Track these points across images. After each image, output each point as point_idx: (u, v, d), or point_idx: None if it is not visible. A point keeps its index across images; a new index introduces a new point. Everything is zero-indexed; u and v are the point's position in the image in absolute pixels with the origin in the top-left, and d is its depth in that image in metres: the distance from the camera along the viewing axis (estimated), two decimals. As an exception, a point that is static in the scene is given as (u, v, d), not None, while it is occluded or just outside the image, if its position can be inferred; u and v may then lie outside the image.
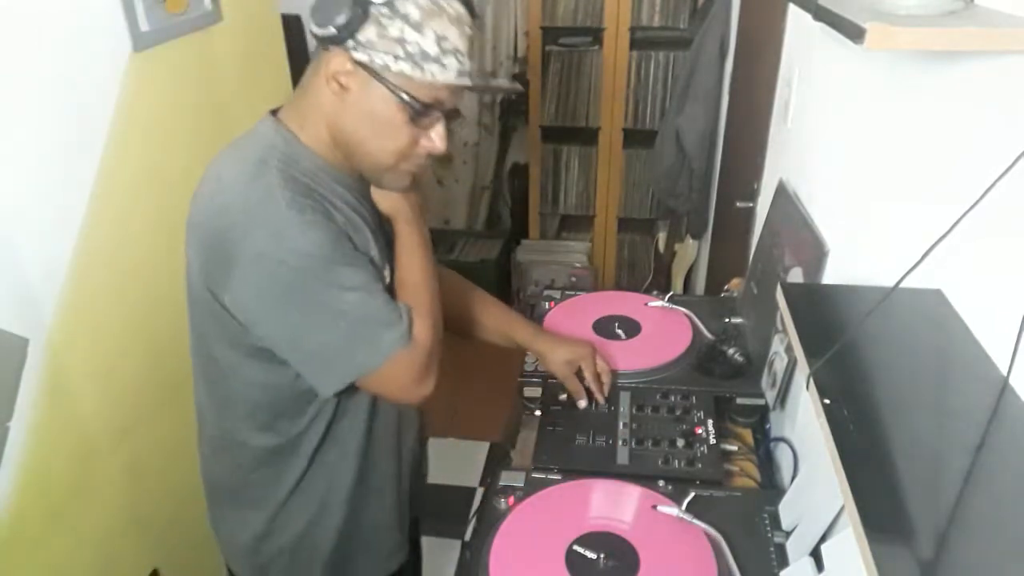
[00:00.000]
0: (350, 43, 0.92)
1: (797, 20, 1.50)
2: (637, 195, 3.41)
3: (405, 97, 0.95)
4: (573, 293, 1.65)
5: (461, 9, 0.97)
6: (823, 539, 0.94)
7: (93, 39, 1.43)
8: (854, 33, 0.68)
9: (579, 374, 1.31)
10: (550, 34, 3.20)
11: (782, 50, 1.61)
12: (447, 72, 0.94)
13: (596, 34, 3.15)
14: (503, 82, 1.01)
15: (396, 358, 0.99)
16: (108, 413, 1.51)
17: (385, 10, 0.91)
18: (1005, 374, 0.64)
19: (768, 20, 1.75)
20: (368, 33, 0.92)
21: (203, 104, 1.76)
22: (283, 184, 0.95)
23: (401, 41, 0.92)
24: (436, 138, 1.01)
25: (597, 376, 1.32)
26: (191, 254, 1.03)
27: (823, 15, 0.78)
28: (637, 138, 3.25)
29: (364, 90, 0.96)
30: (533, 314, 1.58)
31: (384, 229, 1.11)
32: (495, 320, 1.35)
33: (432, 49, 0.93)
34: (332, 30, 0.91)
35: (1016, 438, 0.62)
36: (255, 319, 0.99)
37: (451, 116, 1.04)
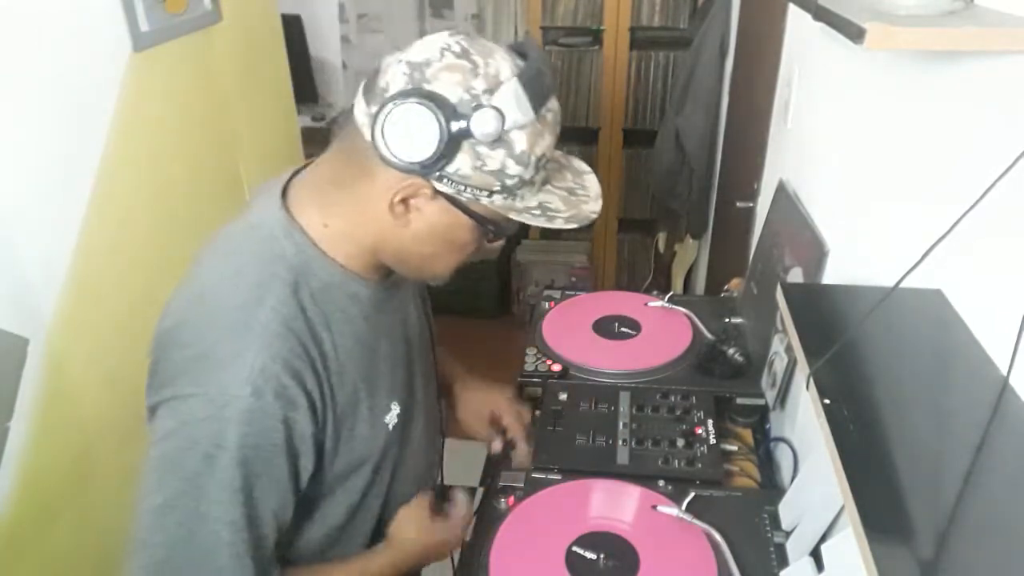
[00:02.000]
0: (437, 173, 0.77)
1: (797, 20, 1.50)
2: (637, 195, 3.40)
3: (492, 228, 0.82)
4: (573, 293, 1.65)
5: (556, 105, 0.81)
6: (823, 539, 0.94)
7: (93, 39, 1.43)
8: (854, 33, 0.68)
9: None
10: (550, 34, 3.20)
11: (782, 50, 1.61)
12: (534, 189, 0.82)
13: (596, 34, 3.15)
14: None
15: None
16: (108, 413, 1.51)
17: (487, 138, 0.75)
18: (1005, 374, 0.64)
19: (768, 20, 1.75)
20: (460, 164, 0.76)
21: (203, 104, 1.76)
22: (270, 339, 0.77)
23: (501, 174, 0.77)
24: (498, 245, 0.90)
25: (519, 416, 1.23)
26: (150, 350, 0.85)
27: (823, 15, 0.78)
28: (637, 138, 3.25)
29: (439, 216, 0.81)
30: (533, 314, 1.58)
31: (407, 346, 0.99)
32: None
33: (532, 174, 0.79)
34: (416, 165, 0.75)
35: (1016, 438, 0.62)
36: (150, 453, 0.81)
37: None
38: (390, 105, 0.73)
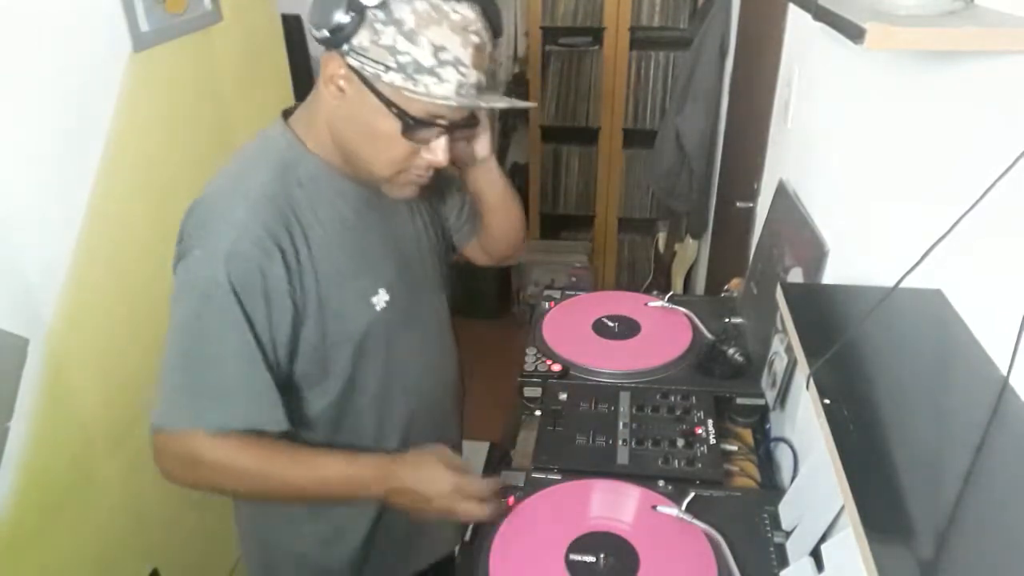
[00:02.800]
0: (345, 47, 0.89)
1: (797, 20, 1.50)
2: (637, 195, 3.41)
3: (395, 110, 0.91)
4: (573, 293, 1.65)
5: (470, 15, 0.90)
6: (823, 539, 0.94)
7: (93, 39, 1.43)
8: (854, 33, 0.68)
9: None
10: (550, 34, 3.20)
11: (782, 50, 1.61)
12: (444, 86, 0.89)
13: (596, 34, 3.15)
14: (513, 101, 0.99)
15: (166, 435, 0.97)
16: (108, 413, 1.51)
17: (380, 14, 0.87)
18: (1005, 374, 0.64)
19: (768, 20, 1.75)
20: (362, 38, 0.88)
21: (203, 104, 1.76)
22: (253, 201, 0.94)
23: (393, 50, 0.87)
24: (438, 151, 0.96)
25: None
26: None
27: (823, 15, 0.78)
28: (637, 138, 3.26)
29: (358, 97, 0.92)
30: (533, 314, 1.58)
31: (399, 244, 1.11)
32: None
33: (427, 60, 0.87)
34: (326, 32, 0.88)
35: (1016, 438, 0.62)
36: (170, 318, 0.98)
37: (460, 127, 0.98)
38: None
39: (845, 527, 0.88)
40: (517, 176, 3.65)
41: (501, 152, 3.61)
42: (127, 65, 1.50)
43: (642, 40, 3.14)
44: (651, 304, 1.55)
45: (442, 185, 1.23)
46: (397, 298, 1.08)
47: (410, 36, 0.87)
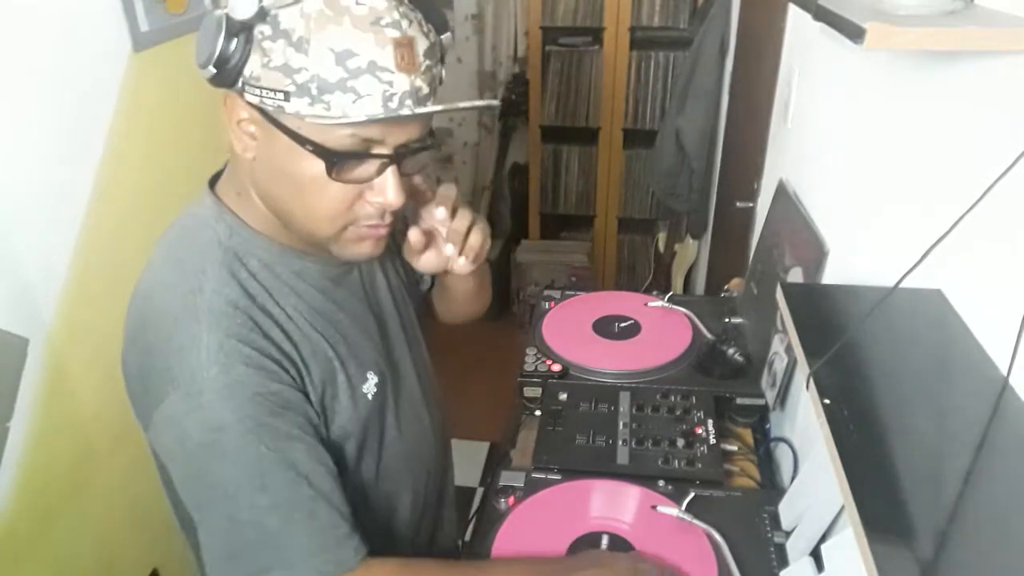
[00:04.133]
0: (239, 82, 0.72)
1: (797, 20, 1.50)
2: (637, 195, 3.41)
3: (310, 147, 0.72)
4: (573, 293, 1.65)
5: (379, 4, 0.70)
6: (823, 539, 0.94)
7: (93, 39, 1.43)
8: (854, 33, 0.68)
9: None
10: (550, 34, 3.20)
11: (782, 50, 1.61)
12: (364, 101, 0.69)
13: (596, 34, 3.15)
14: (477, 103, 0.80)
15: None
16: (108, 413, 1.51)
17: (266, 29, 0.68)
18: (1005, 374, 0.64)
19: (768, 20, 1.75)
20: (253, 65, 0.70)
21: (203, 104, 1.76)
22: (214, 319, 0.76)
23: (287, 69, 0.68)
24: (385, 189, 0.75)
25: None
26: (123, 359, 0.85)
27: (823, 15, 0.78)
28: (637, 138, 3.26)
29: (269, 141, 0.74)
30: (533, 314, 1.58)
31: (378, 318, 0.96)
32: None
33: (332, 73, 0.68)
34: (211, 69, 0.70)
35: (1016, 438, 0.62)
36: (172, 475, 0.81)
37: (410, 152, 0.77)
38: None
39: (845, 527, 0.88)
40: (517, 176, 3.65)
41: (501, 152, 3.62)
42: (127, 65, 1.50)
43: (642, 40, 3.14)
44: (651, 304, 1.55)
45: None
46: (386, 378, 0.94)
47: (301, 46, 0.68)
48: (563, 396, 1.31)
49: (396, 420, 0.98)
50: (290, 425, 0.78)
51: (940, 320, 0.76)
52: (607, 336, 1.48)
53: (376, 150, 0.75)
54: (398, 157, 0.76)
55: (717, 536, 1.02)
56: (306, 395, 0.81)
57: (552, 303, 1.60)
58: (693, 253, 2.95)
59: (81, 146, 1.42)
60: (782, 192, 1.43)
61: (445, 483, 1.16)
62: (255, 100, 0.72)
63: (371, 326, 0.94)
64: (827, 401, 0.65)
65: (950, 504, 0.56)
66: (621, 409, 1.28)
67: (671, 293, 1.58)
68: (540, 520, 1.07)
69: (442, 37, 0.78)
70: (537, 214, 3.56)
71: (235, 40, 0.69)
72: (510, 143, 3.61)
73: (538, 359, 1.41)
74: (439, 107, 0.74)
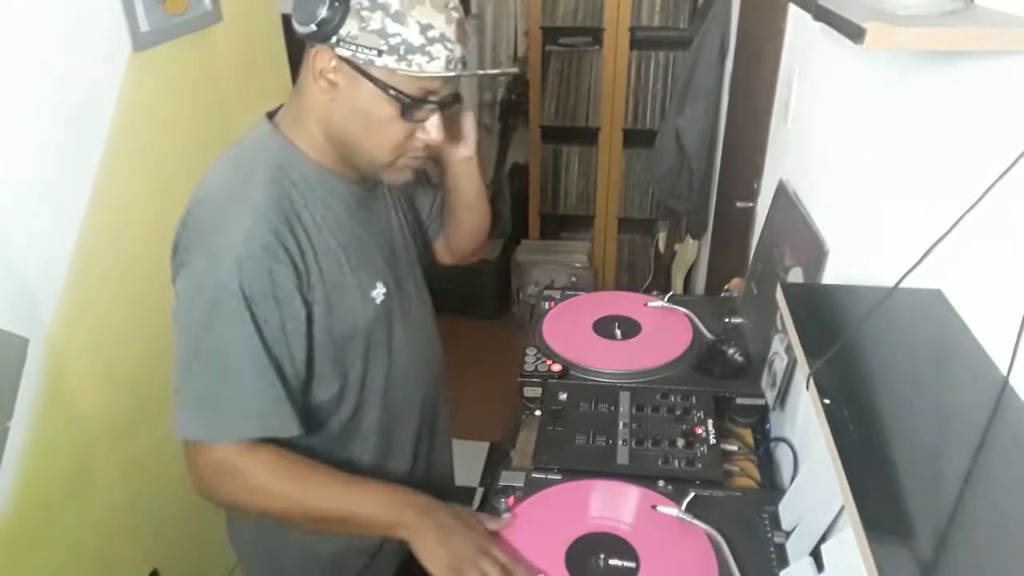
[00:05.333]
0: (333, 39, 0.91)
1: (797, 20, 1.50)
2: (637, 195, 3.41)
3: (393, 93, 0.93)
4: (573, 293, 1.65)
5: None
6: (823, 539, 0.94)
7: (93, 39, 1.43)
8: (854, 33, 0.68)
9: None
10: (550, 34, 3.20)
11: (782, 50, 1.61)
12: (435, 62, 0.92)
13: (596, 34, 3.15)
14: (500, 68, 1.06)
15: (197, 446, 0.97)
16: (108, 413, 1.51)
17: (365, 2, 0.89)
18: (1005, 374, 0.64)
19: (768, 20, 1.75)
20: (350, 27, 0.90)
21: (203, 104, 1.76)
22: (254, 205, 0.94)
23: (383, 33, 0.89)
24: (432, 130, 0.99)
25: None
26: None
27: (823, 15, 0.78)
28: (637, 138, 3.26)
29: (352, 87, 0.94)
30: (533, 314, 1.58)
31: (390, 241, 1.13)
32: None
33: (416, 40, 0.90)
34: (313, 27, 0.90)
35: (1016, 438, 0.62)
36: (172, 326, 0.98)
37: (449, 104, 1.01)
38: None
39: (845, 527, 0.88)
40: (517, 176, 3.65)
41: (501, 152, 3.62)
42: (127, 65, 1.50)
43: (642, 40, 3.14)
44: (651, 304, 1.55)
45: (416, 181, 1.24)
46: (391, 291, 1.11)
47: (398, 18, 0.89)
48: (563, 396, 1.31)
49: (403, 330, 1.14)
50: (274, 314, 0.95)
51: (940, 320, 0.76)
52: (607, 336, 1.48)
53: (432, 99, 0.96)
54: (443, 105, 0.99)
55: (717, 536, 1.02)
56: (304, 291, 0.98)
57: (552, 303, 1.60)
58: (693, 253, 2.95)
59: (81, 146, 1.42)
60: (782, 192, 1.43)
61: (438, 417, 1.30)
62: (347, 54, 0.91)
63: (384, 245, 1.12)
64: (827, 401, 0.65)
65: (950, 504, 0.56)
66: (621, 409, 1.28)
67: (671, 293, 1.58)
68: (540, 520, 1.07)
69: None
70: (537, 214, 3.56)
71: (337, 5, 0.88)
72: (510, 143, 3.61)
73: (538, 359, 1.41)
74: (478, 71, 1.11)
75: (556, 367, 1.38)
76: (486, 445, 2.71)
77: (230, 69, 1.85)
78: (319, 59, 0.93)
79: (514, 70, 1.11)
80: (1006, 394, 0.64)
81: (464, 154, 1.19)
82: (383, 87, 0.93)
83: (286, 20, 2.16)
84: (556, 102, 3.30)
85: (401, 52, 0.90)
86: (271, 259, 0.94)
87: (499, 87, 3.51)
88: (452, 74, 0.94)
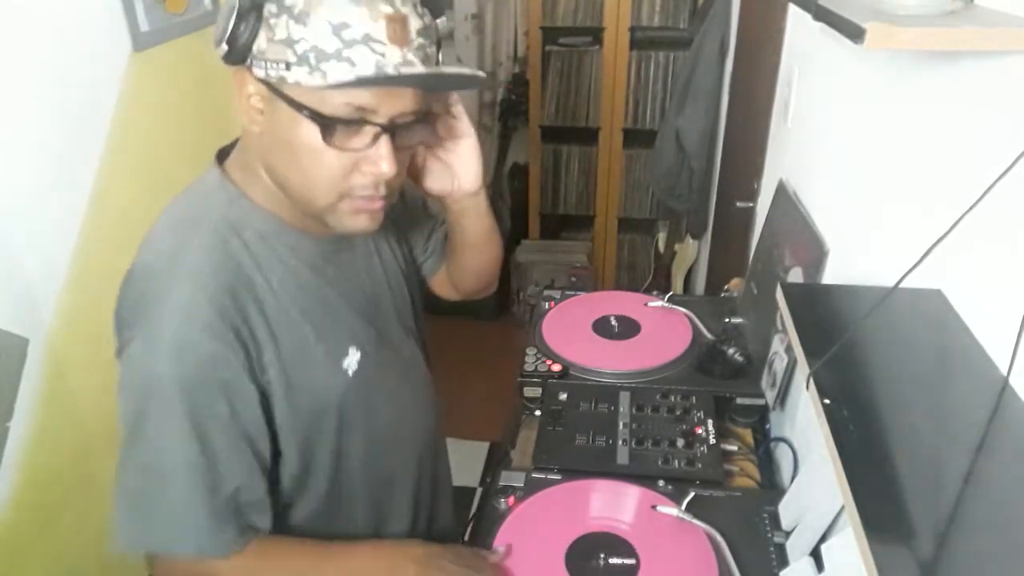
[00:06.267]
0: (248, 58, 0.77)
1: (797, 20, 1.50)
2: (637, 195, 3.41)
3: (307, 112, 0.75)
4: (573, 293, 1.65)
5: None
6: (823, 539, 0.94)
7: (93, 39, 1.43)
8: (854, 33, 0.68)
9: None
10: (550, 34, 3.20)
11: (782, 50, 1.61)
12: (358, 68, 0.73)
13: (596, 34, 3.15)
14: (463, 70, 0.83)
15: (157, 556, 0.85)
16: (108, 412, 1.50)
17: (272, 6, 0.74)
18: (1005, 374, 0.64)
19: (768, 20, 1.75)
20: (260, 42, 0.75)
21: (203, 104, 1.76)
22: (196, 279, 0.80)
23: (288, 42, 0.73)
24: (378, 159, 0.79)
25: None
26: None
27: (823, 15, 0.78)
28: (637, 138, 3.26)
29: (273, 112, 0.78)
30: (533, 314, 1.58)
31: (372, 296, 0.99)
32: None
33: (329, 44, 0.72)
34: (224, 46, 0.76)
35: (1016, 438, 0.62)
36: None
37: (406, 125, 0.80)
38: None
39: (845, 527, 0.88)
40: (517, 176, 3.65)
41: (501, 152, 3.62)
42: (127, 65, 1.50)
43: (642, 40, 3.13)
44: (651, 304, 1.55)
45: (408, 207, 1.11)
46: (370, 353, 0.96)
47: (301, 19, 0.73)
48: (563, 396, 1.31)
49: (385, 395, 1.00)
50: (219, 403, 0.81)
51: (940, 320, 0.76)
52: (607, 336, 1.48)
53: (370, 119, 0.77)
54: (391, 128, 0.79)
55: (717, 536, 1.02)
56: (257, 373, 0.84)
57: (552, 303, 1.60)
58: (693, 253, 2.95)
59: (81, 146, 1.42)
60: (782, 192, 1.43)
61: (438, 471, 1.18)
62: (261, 74, 0.77)
63: (362, 302, 0.97)
64: (827, 401, 0.65)
65: (950, 504, 0.56)
66: (621, 409, 1.28)
67: (671, 293, 1.58)
68: (540, 520, 1.07)
69: (438, 21, 0.82)
70: (537, 214, 3.56)
71: (245, 19, 0.74)
72: (510, 143, 3.61)
73: (538, 359, 1.41)
74: (422, 70, 0.77)
75: (556, 367, 1.38)
76: (486, 445, 2.71)
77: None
78: (239, 83, 0.79)
79: (480, 73, 0.84)
80: (1006, 394, 0.64)
81: (466, 189, 0.99)
82: (297, 107, 0.75)
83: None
84: (556, 102, 3.30)
85: (312, 62, 0.73)
86: (214, 342, 0.79)
87: (499, 87, 3.51)
88: (379, 75, 0.74)
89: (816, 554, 0.94)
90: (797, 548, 0.99)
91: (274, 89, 0.77)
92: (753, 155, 1.80)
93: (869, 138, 1.06)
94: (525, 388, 1.36)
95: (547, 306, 1.59)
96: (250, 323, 0.82)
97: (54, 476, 1.38)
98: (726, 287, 1.64)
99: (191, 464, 0.81)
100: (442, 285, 1.19)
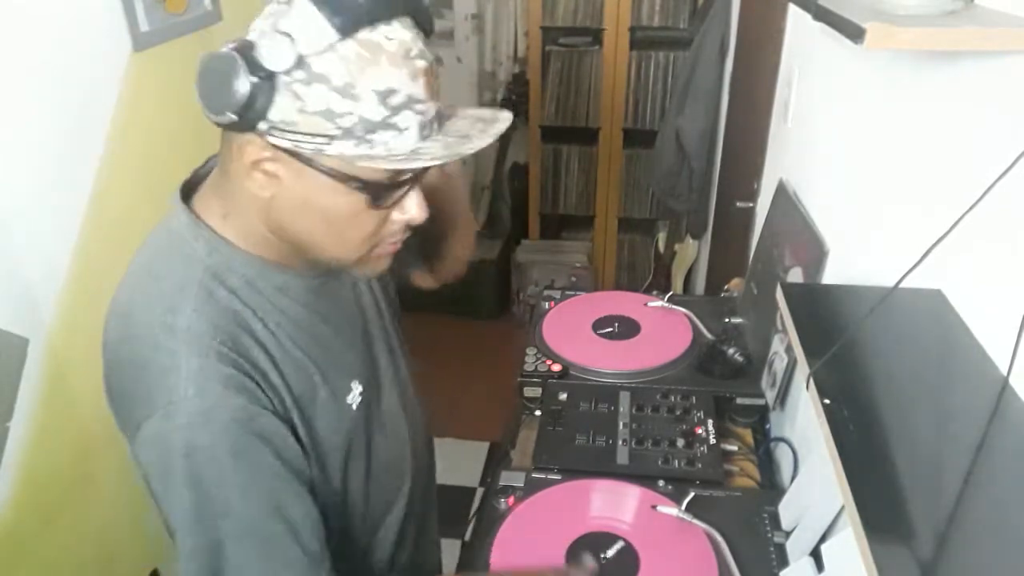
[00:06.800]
0: (262, 125, 0.70)
1: (797, 20, 1.50)
2: (637, 195, 3.41)
3: (357, 185, 0.73)
4: (573, 293, 1.65)
5: (406, 35, 0.71)
6: (823, 539, 0.94)
7: (93, 39, 1.43)
8: (854, 33, 0.68)
9: None
10: (550, 34, 3.20)
11: (782, 50, 1.61)
12: (405, 135, 0.71)
13: (596, 34, 3.15)
14: (493, 130, 0.81)
15: None
16: (108, 413, 1.50)
17: (299, 74, 0.68)
18: (1005, 374, 0.64)
19: (768, 20, 1.75)
20: (283, 109, 0.69)
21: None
22: (196, 344, 0.75)
23: (330, 115, 0.68)
24: (412, 207, 0.79)
25: None
26: (104, 373, 0.83)
27: (823, 15, 0.78)
28: (637, 138, 3.25)
29: (299, 180, 0.74)
30: (533, 314, 1.58)
31: (361, 325, 0.97)
32: None
33: (376, 113, 0.69)
34: (231, 116, 0.68)
35: (1016, 438, 0.62)
36: (156, 497, 0.81)
37: (425, 169, 0.77)
38: (202, 63, 0.70)
39: (845, 527, 0.88)
40: (517, 176, 3.65)
41: (501, 152, 3.62)
42: (127, 65, 1.50)
43: (642, 40, 3.13)
44: (651, 304, 1.55)
45: None
46: (368, 384, 0.94)
47: (347, 92, 0.68)
48: (563, 396, 1.31)
49: (381, 426, 0.98)
50: (265, 454, 0.77)
51: (940, 320, 0.76)
52: (607, 336, 1.48)
53: (407, 176, 0.76)
54: (419, 176, 0.78)
55: (717, 536, 1.02)
56: (285, 417, 0.80)
57: (552, 303, 1.60)
58: (693, 253, 2.95)
59: (81, 146, 1.42)
60: (782, 192, 1.43)
61: (430, 485, 1.15)
62: (287, 144, 0.71)
63: (355, 335, 0.95)
64: (827, 401, 0.65)
65: (950, 504, 0.56)
66: (621, 409, 1.28)
67: (671, 293, 1.58)
68: (540, 520, 1.07)
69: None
70: (537, 214, 3.56)
71: (258, 82, 0.67)
72: (510, 143, 3.61)
73: (538, 359, 1.41)
74: (467, 149, 0.76)
75: (556, 367, 1.38)
76: (486, 445, 2.71)
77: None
78: (248, 151, 0.73)
79: (500, 122, 0.84)
80: (1006, 394, 0.64)
81: (448, 172, 1.02)
82: (343, 179, 0.72)
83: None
84: (556, 102, 3.30)
85: (358, 133, 0.70)
86: (238, 396, 0.75)
87: (499, 87, 3.50)
88: (436, 156, 0.73)
89: (816, 554, 0.94)
90: (797, 548, 0.99)
91: (307, 162, 0.72)
92: (753, 155, 1.80)
93: (869, 138, 1.06)
94: (525, 388, 1.36)
95: (547, 306, 1.59)
96: (261, 368, 0.79)
97: (54, 476, 1.38)
98: (726, 287, 1.64)
99: (261, 522, 0.77)
100: (421, 278, 1.17)
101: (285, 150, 0.72)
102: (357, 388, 0.91)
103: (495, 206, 3.74)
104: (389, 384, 1.01)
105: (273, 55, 0.67)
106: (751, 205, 1.82)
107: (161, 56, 1.59)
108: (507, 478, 1.16)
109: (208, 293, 0.78)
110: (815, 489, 0.98)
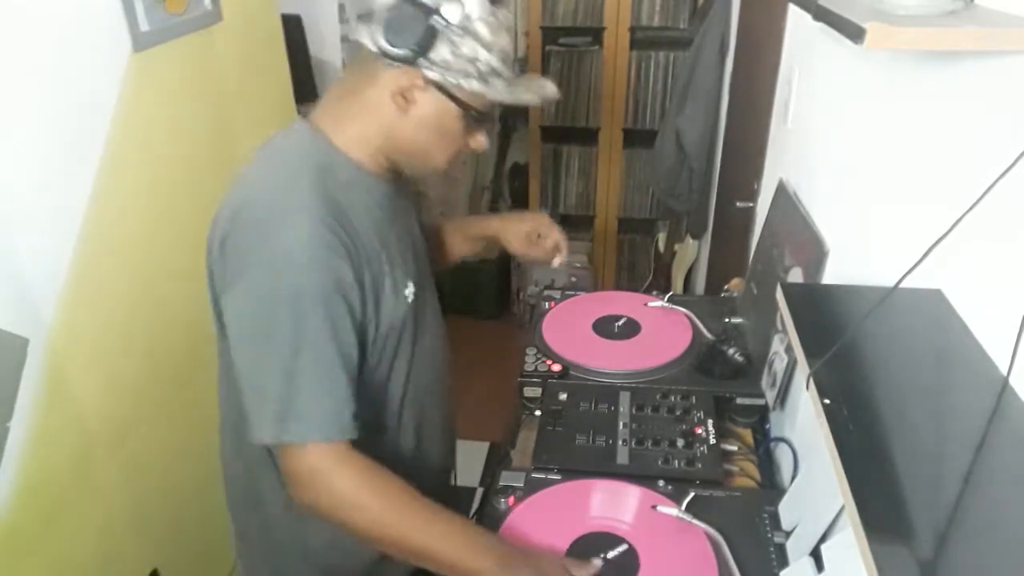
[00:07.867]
0: (422, 61, 0.95)
1: (797, 20, 1.50)
2: (637, 195, 3.41)
3: (475, 113, 1.00)
4: (573, 293, 1.65)
5: (508, 14, 1.01)
6: (823, 539, 0.94)
7: (93, 39, 1.43)
8: (854, 33, 0.68)
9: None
10: (550, 34, 3.20)
11: (782, 50, 1.61)
12: (508, 82, 1.00)
13: (596, 34, 3.15)
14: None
15: (290, 451, 0.95)
16: (108, 413, 1.51)
17: (458, 29, 0.94)
18: (1005, 374, 0.64)
19: (768, 20, 1.75)
20: (441, 51, 0.94)
21: (203, 104, 1.76)
22: (310, 206, 0.95)
23: (473, 60, 0.96)
24: (483, 138, 1.08)
25: (559, 230, 1.39)
26: (211, 248, 1.02)
27: (823, 15, 0.78)
28: (637, 138, 3.25)
29: (432, 105, 0.99)
30: (533, 314, 1.58)
31: (413, 241, 1.15)
32: (452, 233, 1.42)
33: (499, 65, 0.97)
34: (407, 51, 0.93)
35: (1016, 438, 0.62)
36: (232, 333, 0.99)
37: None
38: (382, 12, 0.93)
39: (845, 527, 0.88)
40: (517, 176, 3.65)
41: (501, 152, 3.62)
42: (127, 65, 1.50)
43: (642, 40, 3.13)
44: (651, 304, 1.55)
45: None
46: (419, 290, 1.11)
47: (488, 46, 0.96)
48: (563, 396, 1.31)
49: (425, 328, 1.16)
50: (346, 306, 0.97)
51: (940, 320, 0.76)
52: (607, 336, 1.48)
53: (490, 114, 1.05)
54: (492, 118, 1.08)
55: (717, 536, 1.02)
56: (363, 287, 1.00)
57: (552, 303, 1.60)
58: (693, 253, 2.95)
59: (81, 146, 1.42)
60: (782, 192, 1.43)
61: (446, 413, 1.28)
62: (436, 77, 0.96)
63: (409, 245, 1.14)
64: (827, 401, 0.65)
65: (950, 504, 0.57)
66: (621, 409, 1.28)
67: (671, 293, 1.58)
68: (540, 520, 1.07)
69: None
70: (537, 214, 3.55)
71: (433, 31, 0.93)
72: (510, 143, 3.61)
73: (538, 359, 1.41)
74: (541, 93, 1.06)
75: (556, 367, 1.38)
76: (486, 445, 2.71)
77: (230, 69, 1.85)
78: (403, 79, 0.97)
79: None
80: (1006, 394, 0.64)
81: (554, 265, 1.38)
82: (466, 107, 0.99)
83: (286, 20, 2.16)
84: (556, 102, 3.30)
85: (486, 77, 0.97)
86: (337, 258, 0.95)
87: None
88: (532, 94, 1.03)
89: (816, 554, 0.94)
90: (797, 548, 0.99)
91: (448, 92, 0.98)
92: (753, 155, 1.80)
93: (869, 138, 1.06)
94: (525, 388, 1.37)
95: (547, 306, 1.59)
96: (354, 245, 0.98)
97: (54, 476, 1.38)
98: (726, 287, 1.64)
99: (330, 360, 0.95)
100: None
101: (433, 81, 0.97)
102: (412, 287, 1.09)
103: (495, 206, 3.74)
104: (430, 297, 1.19)
105: (451, 11, 0.93)
106: (751, 205, 1.82)
107: (161, 56, 1.59)
108: (507, 478, 1.16)
109: (320, 178, 0.98)
110: (815, 489, 0.98)
